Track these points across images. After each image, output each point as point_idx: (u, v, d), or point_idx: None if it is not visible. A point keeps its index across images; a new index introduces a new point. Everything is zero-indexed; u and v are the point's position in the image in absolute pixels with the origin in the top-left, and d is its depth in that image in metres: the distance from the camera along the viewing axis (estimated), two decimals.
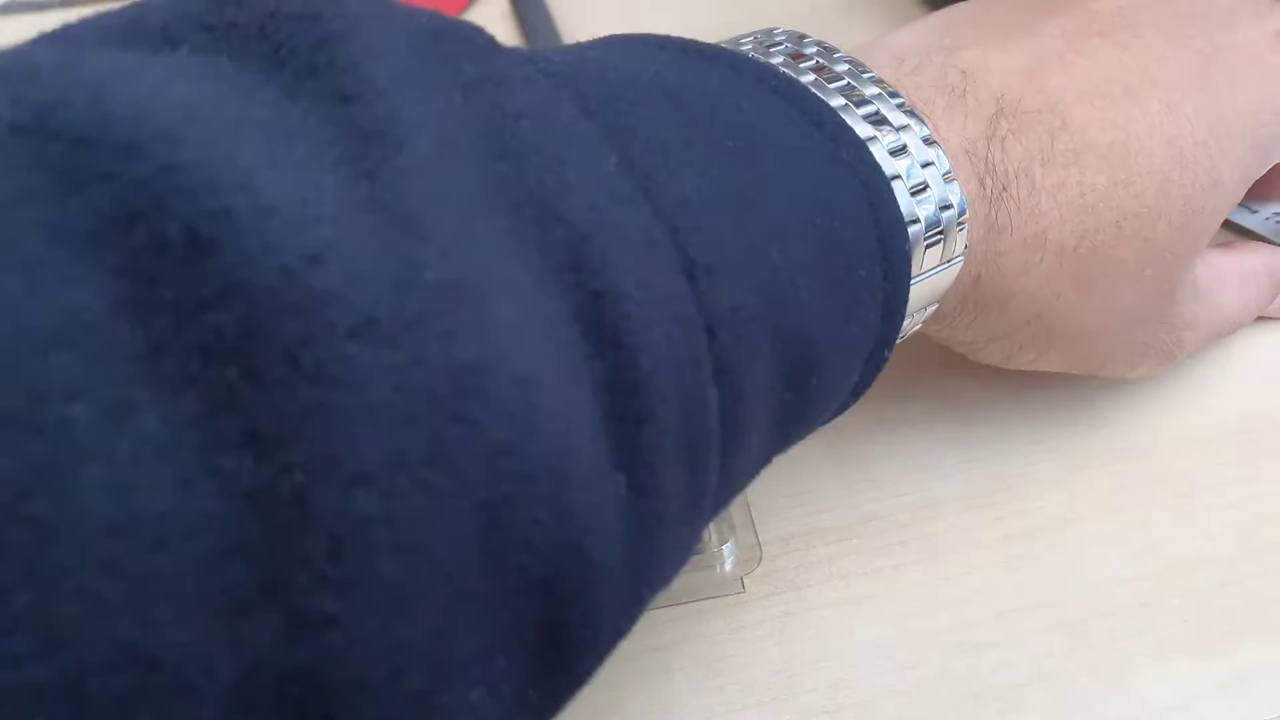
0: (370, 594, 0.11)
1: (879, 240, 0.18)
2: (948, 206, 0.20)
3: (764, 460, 0.18)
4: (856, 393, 0.20)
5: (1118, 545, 0.26)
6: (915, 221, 0.19)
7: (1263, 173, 0.26)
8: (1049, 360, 0.25)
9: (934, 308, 0.22)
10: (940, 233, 0.19)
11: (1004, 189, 0.21)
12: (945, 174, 0.20)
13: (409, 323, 0.12)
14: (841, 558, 0.26)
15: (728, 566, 0.26)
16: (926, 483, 0.28)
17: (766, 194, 0.16)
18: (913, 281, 0.19)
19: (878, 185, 0.18)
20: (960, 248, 0.20)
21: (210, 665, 0.11)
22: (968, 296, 0.22)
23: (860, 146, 0.18)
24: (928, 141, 0.20)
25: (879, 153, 0.19)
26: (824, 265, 0.17)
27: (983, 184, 0.21)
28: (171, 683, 0.11)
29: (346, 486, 0.11)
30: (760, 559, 0.26)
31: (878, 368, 0.20)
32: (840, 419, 0.29)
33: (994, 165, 0.21)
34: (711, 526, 0.26)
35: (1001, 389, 0.30)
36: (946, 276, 0.20)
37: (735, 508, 0.27)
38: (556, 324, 0.13)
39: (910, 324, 0.21)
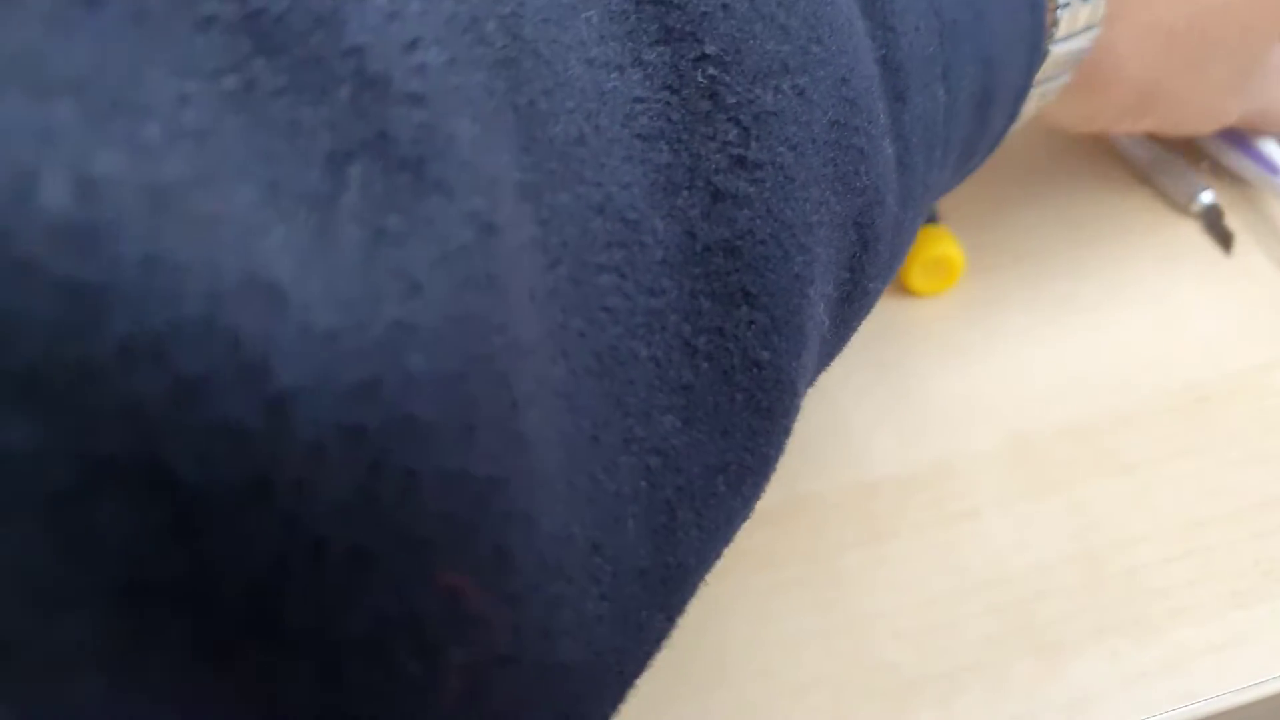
0: (770, 179, 0.12)
1: None
2: None
3: (947, 188, 0.19)
4: (993, 145, 0.21)
5: (1060, 524, 0.24)
6: None
7: None
8: (1142, 124, 0.26)
9: (1064, 79, 0.21)
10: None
11: None
12: None
13: None
14: (775, 541, 0.24)
15: None
16: (865, 462, 0.26)
17: None
18: (1054, 44, 0.20)
19: None
20: (1100, 15, 0.21)
21: (655, 227, 0.12)
22: (1084, 77, 0.22)
23: None
24: None
25: None
26: (1000, 3, 0.18)
27: None
28: (634, 235, 0.11)
29: (749, 82, 0.12)
30: None
31: (1011, 120, 0.20)
32: None
33: None
34: None
35: (942, 364, 0.28)
36: (1079, 43, 0.21)
37: None
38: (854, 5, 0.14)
39: (1043, 91, 0.21)
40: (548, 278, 0.10)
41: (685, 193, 0.12)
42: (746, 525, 0.25)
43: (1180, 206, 0.31)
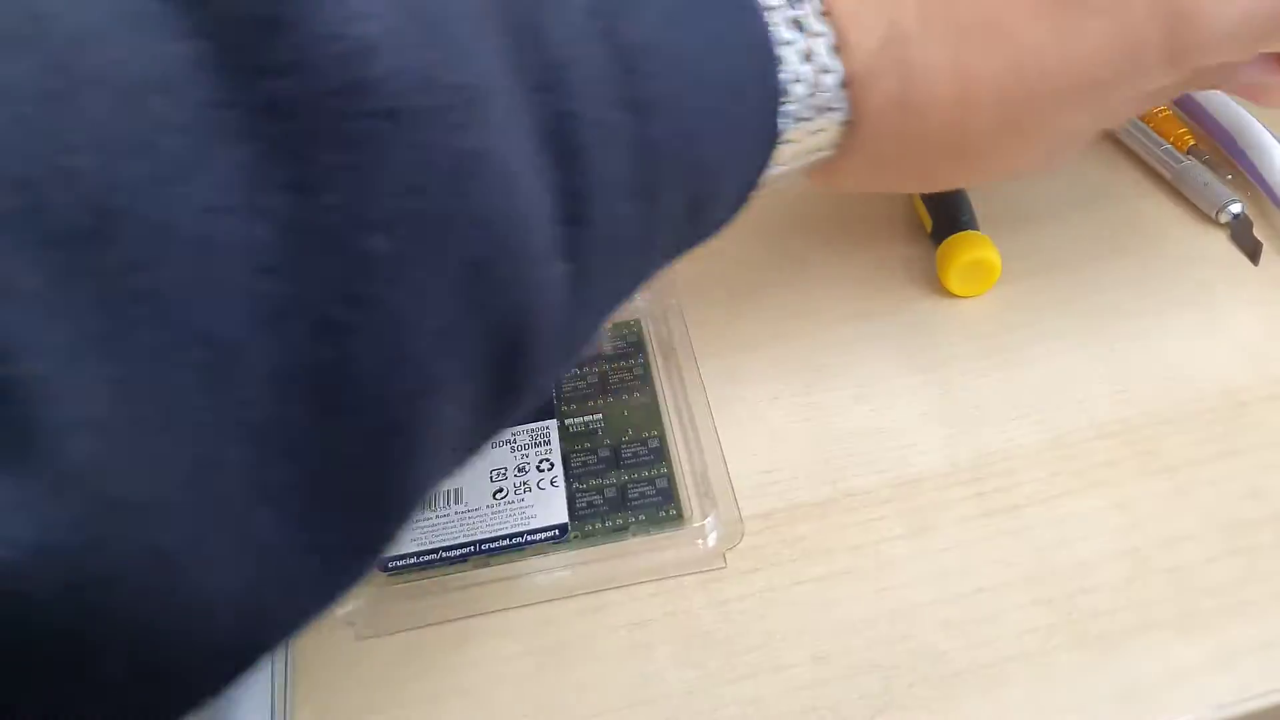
0: (379, 311, 0.14)
1: (767, 96, 0.19)
2: (827, 71, 0.20)
3: (658, 271, 0.21)
4: (719, 225, 0.22)
5: (1102, 521, 0.24)
6: (798, 81, 0.20)
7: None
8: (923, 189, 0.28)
9: (816, 157, 0.22)
10: (819, 97, 0.20)
11: (912, 74, 0.21)
12: (832, 46, 0.20)
13: (430, 111, 0.14)
14: (823, 533, 0.25)
15: (710, 542, 0.24)
16: (908, 458, 0.26)
17: (701, 39, 0.18)
18: (784, 141, 0.20)
19: (771, 47, 0.19)
20: (838, 118, 0.21)
21: (260, 350, 0.13)
22: (822, 179, 0.23)
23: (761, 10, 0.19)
24: (820, 14, 0.20)
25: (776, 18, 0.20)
26: (729, 113, 0.19)
27: (899, 69, 0.21)
28: (232, 358, 0.13)
29: (366, 230, 0.13)
30: (743, 534, 0.25)
31: (739, 207, 0.21)
32: (820, 394, 0.28)
33: (910, 61, 0.21)
34: (694, 502, 0.25)
35: (982, 365, 0.28)
36: (818, 139, 0.21)
37: (717, 484, 0.25)
38: (527, 133, 0.15)
39: (788, 170, 0.22)
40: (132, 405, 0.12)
41: (295, 321, 0.13)
42: (795, 518, 0.25)
43: (1209, 217, 0.32)
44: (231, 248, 0.13)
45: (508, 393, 0.17)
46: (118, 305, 0.12)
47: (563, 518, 0.24)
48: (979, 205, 0.31)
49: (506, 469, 0.26)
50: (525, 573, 0.24)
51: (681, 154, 0.18)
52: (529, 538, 0.24)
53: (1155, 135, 0.34)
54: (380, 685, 0.23)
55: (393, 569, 0.24)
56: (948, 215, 0.31)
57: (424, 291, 0.14)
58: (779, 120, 0.20)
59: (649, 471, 0.26)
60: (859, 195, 0.34)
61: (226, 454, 0.13)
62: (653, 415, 0.27)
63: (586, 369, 0.28)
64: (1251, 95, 0.26)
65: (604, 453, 0.26)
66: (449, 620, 0.23)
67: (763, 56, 0.19)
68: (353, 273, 0.13)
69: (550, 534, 0.24)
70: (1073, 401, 0.27)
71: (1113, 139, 0.35)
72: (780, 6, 0.19)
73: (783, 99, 0.20)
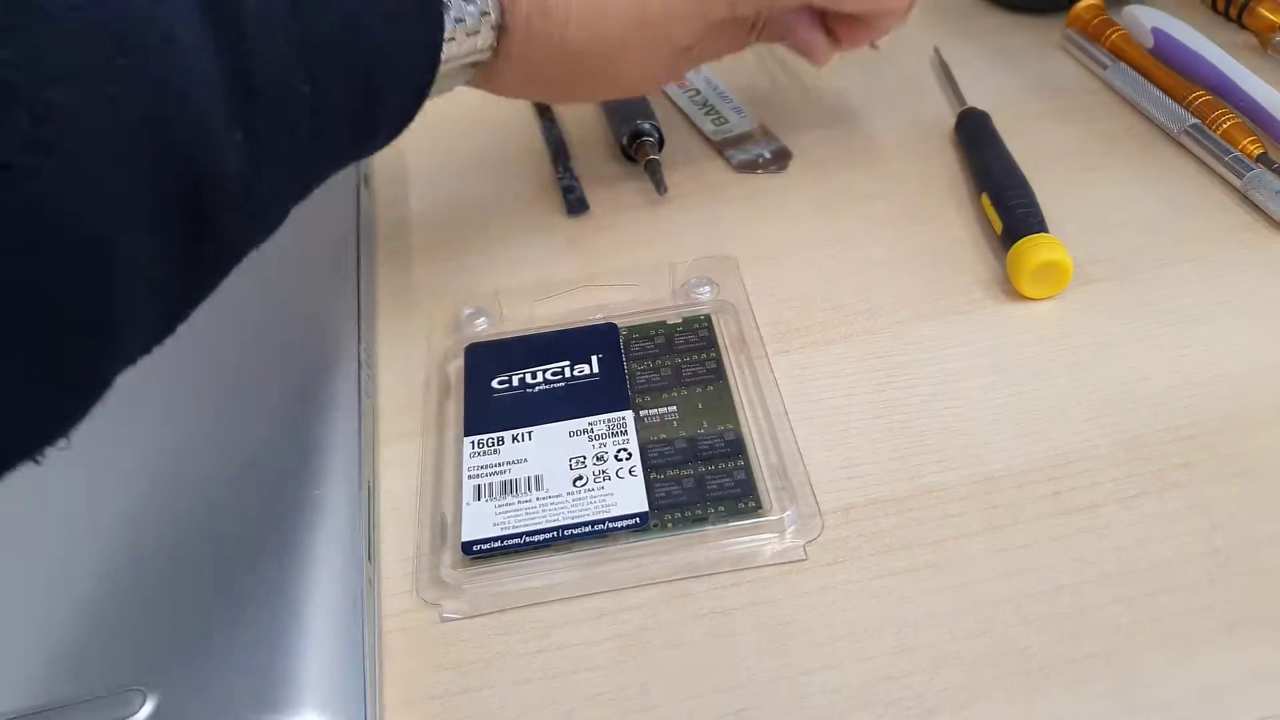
0: (63, 156, 0.15)
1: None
2: None
3: (350, 156, 0.24)
4: (403, 120, 0.25)
5: (1181, 523, 0.24)
6: None
7: None
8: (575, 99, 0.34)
9: (474, 59, 0.27)
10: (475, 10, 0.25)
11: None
12: None
13: None
14: (902, 528, 0.25)
15: (790, 534, 0.24)
16: (984, 456, 0.26)
17: None
18: (448, 39, 0.25)
19: None
20: (491, 20, 0.26)
21: None
22: (483, 81, 0.28)
23: None
24: None
25: None
26: (393, 10, 0.22)
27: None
28: None
29: (44, 83, 0.15)
30: (822, 527, 0.25)
31: (417, 100, 0.25)
32: (894, 392, 0.28)
33: None
34: (772, 494, 0.25)
35: (1055, 363, 0.28)
36: (474, 41, 0.26)
37: (795, 477, 0.26)
38: (194, 11, 0.18)
39: (450, 67, 0.26)
40: None
41: None
42: (874, 512, 0.25)
43: (1278, 223, 0.32)
44: None
45: (199, 247, 0.18)
46: None
47: (643, 506, 0.25)
48: (1050, 209, 0.31)
49: (585, 457, 0.26)
50: (607, 559, 0.24)
51: (346, 45, 0.21)
52: (610, 524, 0.24)
53: (1223, 143, 0.34)
54: (465, 667, 0.23)
55: (477, 553, 0.24)
56: (1018, 217, 0.31)
57: (106, 141, 0.16)
58: (444, 16, 0.24)
59: (727, 463, 0.26)
60: (930, 201, 0.34)
61: None
62: (727, 408, 0.27)
63: (659, 362, 0.29)
64: (804, 52, 0.33)
65: (680, 444, 0.26)
66: (533, 604, 0.24)
67: None
68: (33, 121, 0.15)
69: (631, 521, 0.24)
70: (1146, 404, 0.27)
71: (1179, 147, 0.35)
72: None
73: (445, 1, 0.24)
